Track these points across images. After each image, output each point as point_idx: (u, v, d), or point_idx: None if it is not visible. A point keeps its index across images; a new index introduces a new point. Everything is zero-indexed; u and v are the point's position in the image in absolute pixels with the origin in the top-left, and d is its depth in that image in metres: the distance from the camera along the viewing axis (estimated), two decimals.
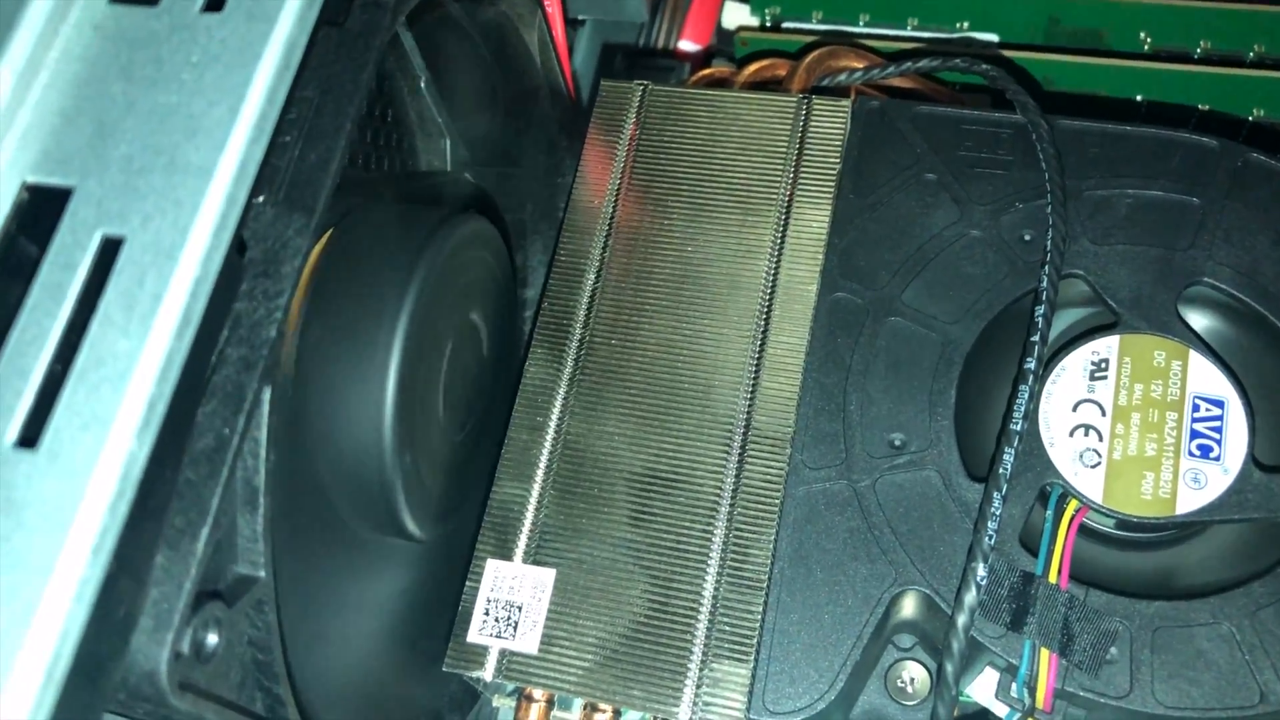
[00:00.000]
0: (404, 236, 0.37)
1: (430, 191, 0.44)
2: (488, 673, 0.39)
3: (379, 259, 0.37)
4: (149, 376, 0.23)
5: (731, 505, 0.40)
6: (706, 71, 0.52)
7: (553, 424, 0.42)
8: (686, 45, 0.60)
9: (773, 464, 0.40)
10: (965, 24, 0.56)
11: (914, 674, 0.42)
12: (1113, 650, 0.36)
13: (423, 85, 0.45)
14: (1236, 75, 0.51)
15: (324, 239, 0.36)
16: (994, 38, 0.56)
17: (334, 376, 0.35)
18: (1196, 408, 0.39)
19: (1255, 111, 0.51)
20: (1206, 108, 0.52)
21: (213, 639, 0.27)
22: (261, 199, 0.28)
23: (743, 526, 0.39)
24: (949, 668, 0.36)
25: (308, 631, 0.35)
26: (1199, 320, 0.42)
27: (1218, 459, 0.38)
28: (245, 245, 0.27)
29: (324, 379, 0.35)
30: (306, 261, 0.28)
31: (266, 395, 0.28)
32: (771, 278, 0.43)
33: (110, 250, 0.24)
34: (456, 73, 0.46)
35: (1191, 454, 0.39)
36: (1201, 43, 0.53)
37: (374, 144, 0.44)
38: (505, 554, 0.40)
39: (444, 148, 0.48)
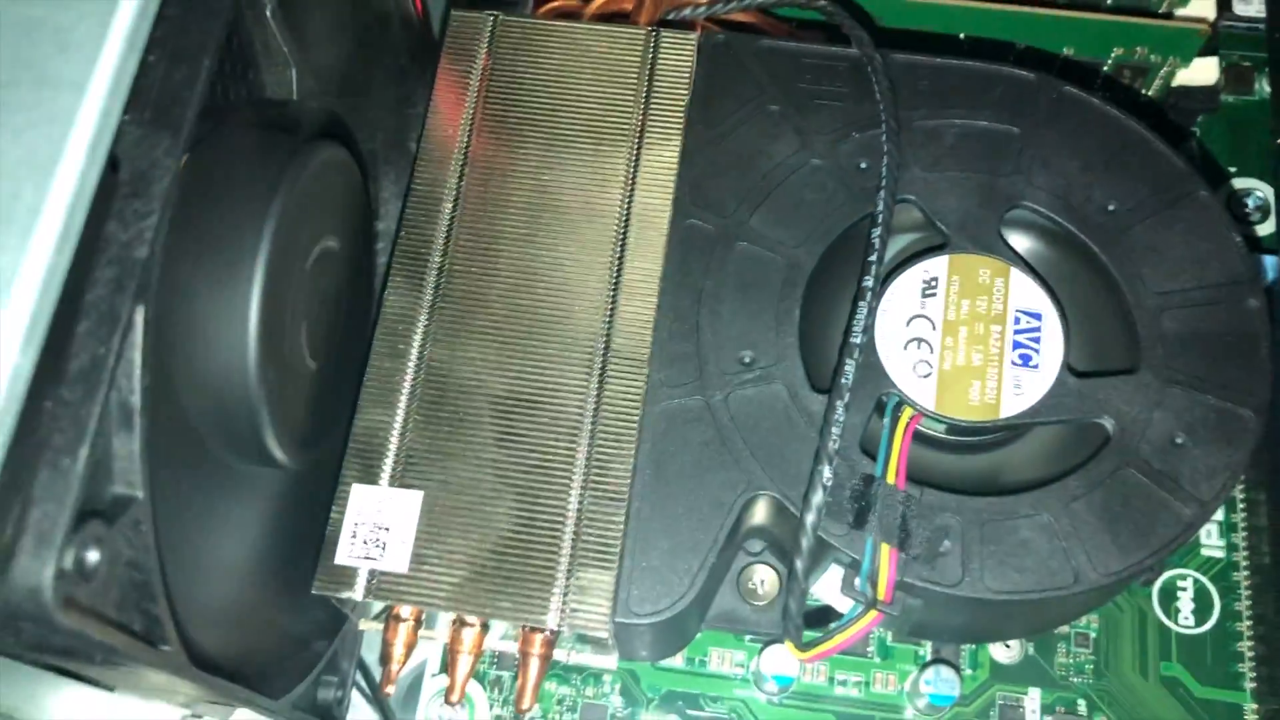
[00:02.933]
0: (264, 158, 0.37)
1: (283, 119, 0.43)
2: (358, 592, 0.39)
3: (239, 181, 0.37)
4: (31, 290, 0.23)
5: (593, 423, 0.41)
6: (555, 4, 0.53)
7: (414, 351, 0.42)
8: None
9: (631, 383, 0.42)
10: None
11: (764, 576, 0.45)
12: (946, 543, 0.39)
13: (269, 12, 0.45)
14: (1049, 16, 0.55)
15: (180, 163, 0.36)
16: None
17: (197, 299, 0.35)
18: (1018, 320, 0.43)
19: (1066, 50, 0.55)
20: (1024, 46, 0.55)
21: (94, 556, 0.27)
22: (128, 118, 0.28)
23: (604, 442, 0.41)
24: (799, 564, 0.38)
25: (181, 556, 0.35)
26: (1019, 240, 0.45)
27: (1037, 367, 0.42)
28: (118, 163, 0.27)
29: (187, 302, 0.35)
30: (175, 181, 0.28)
31: (140, 316, 0.28)
32: (626, 206, 0.44)
33: None
34: (304, 1, 0.46)
35: (1014, 363, 0.42)
36: None
37: (219, 72, 0.44)
38: (371, 479, 0.41)
39: (290, 77, 0.47)
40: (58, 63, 0.25)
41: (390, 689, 0.41)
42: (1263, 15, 0.59)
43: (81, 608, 0.27)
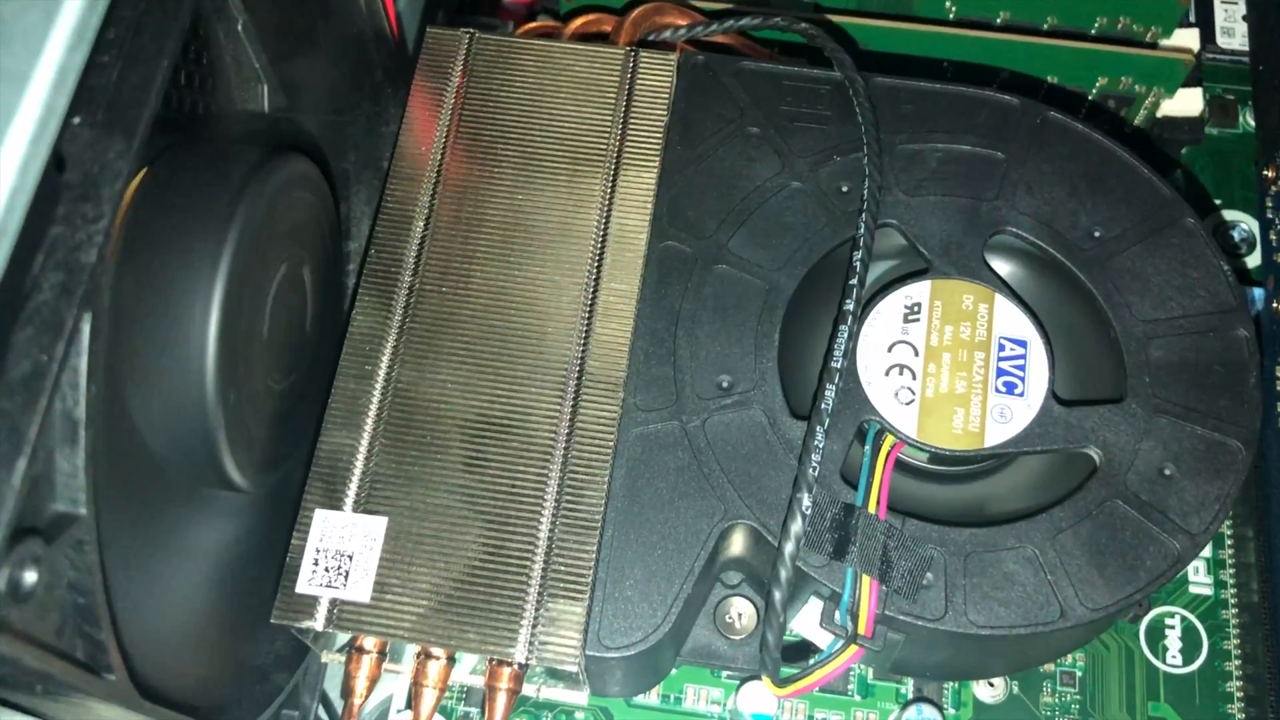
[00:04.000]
0: (229, 169, 0.36)
1: (250, 132, 0.42)
2: (318, 623, 0.38)
3: (200, 194, 0.36)
4: None
5: (566, 448, 0.40)
6: (533, 25, 0.52)
7: (382, 372, 0.41)
8: (509, 2, 0.60)
9: (606, 407, 0.40)
10: None
11: (741, 609, 0.44)
12: (928, 575, 0.38)
13: (240, 27, 0.44)
14: (1032, 44, 0.54)
15: (140, 174, 0.35)
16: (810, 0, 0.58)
17: (153, 316, 0.34)
18: (1002, 347, 0.42)
19: (1049, 78, 0.55)
20: (1008, 73, 0.55)
21: (30, 577, 0.25)
22: (79, 120, 0.27)
23: (577, 468, 0.40)
24: (777, 595, 0.37)
25: (130, 580, 0.33)
26: (1003, 266, 0.44)
27: (1022, 395, 0.41)
28: (64, 162, 0.26)
29: (143, 319, 0.34)
30: (128, 186, 0.27)
31: (87, 324, 0.26)
32: (603, 226, 0.43)
33: None
34: (277, 16, 0.45)
35: (998, 390, 0.41)
36: (1001, 13, 0.56)
37: (188, 87, 0.43)
38: (334, 503, 0.39)
39: (261, 93, 0.46)
40: None
41: None
42: (1246, 48, 0.59)
43: (15, 631, 0.25)
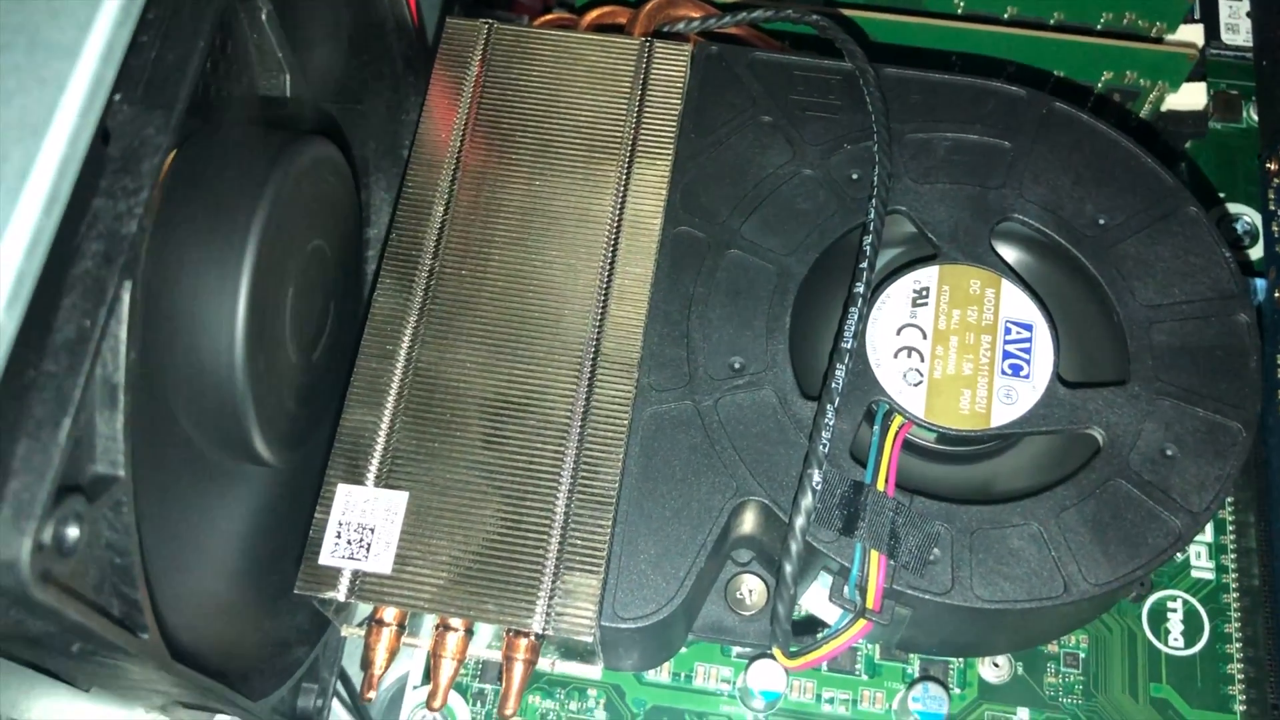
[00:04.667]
0: (256, 150, 0.37)
1: (277, 115, 0.43)
2: (340, 593, 0.39)
3: (230, 172, 0.37)
4: (17, 249, 0.23)
5: (582, 426, 0.41)
6: (550, 17, 0.53)
7: (403, 352, 0.42)
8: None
9: (621, 387, 0.41)
10: None
11: (752, 586, 0.45)
12: (935, 551, 0.39)
13: (264, 17, 0.45)
14: (1039, 38, 0.55)
15: (171, 154, 0.36)
16: None
17: (185, 289, 0.35)
18: (1008, 331, 0.43)
19: (1056, 72, 0.56)
20: (1014, 66, 0.55)
21: (73, 533, 0.26)
22: (119, 96, 0.28)
23: (592, 446, 0.41)
24: (787, 568, 0.38)
25: (162, 545, 0.34)
26: (1009, 252, 0.45)
27: (1027, 377, 0.42)
28: (109, 135, 0.27)
29: (175, 291, 0.35)
30: (166, 159, 0.28)
31: (127, 292, 0.28)
32: (618, 212, 0.44)
33: None
34: (300, 5, 0.46)
35: (1004, 373, 0.42)
36: (1009, 8, 0.57)
37: (213, 74, 0.44)
38: (356, 478, 0.40)
39: (284, 82, 0.47)
40: (50, 28, 0.25)
41: (372, 695, 0.40)
42: (1250, 44, 0.60)
43: (59, 584, 0.26)
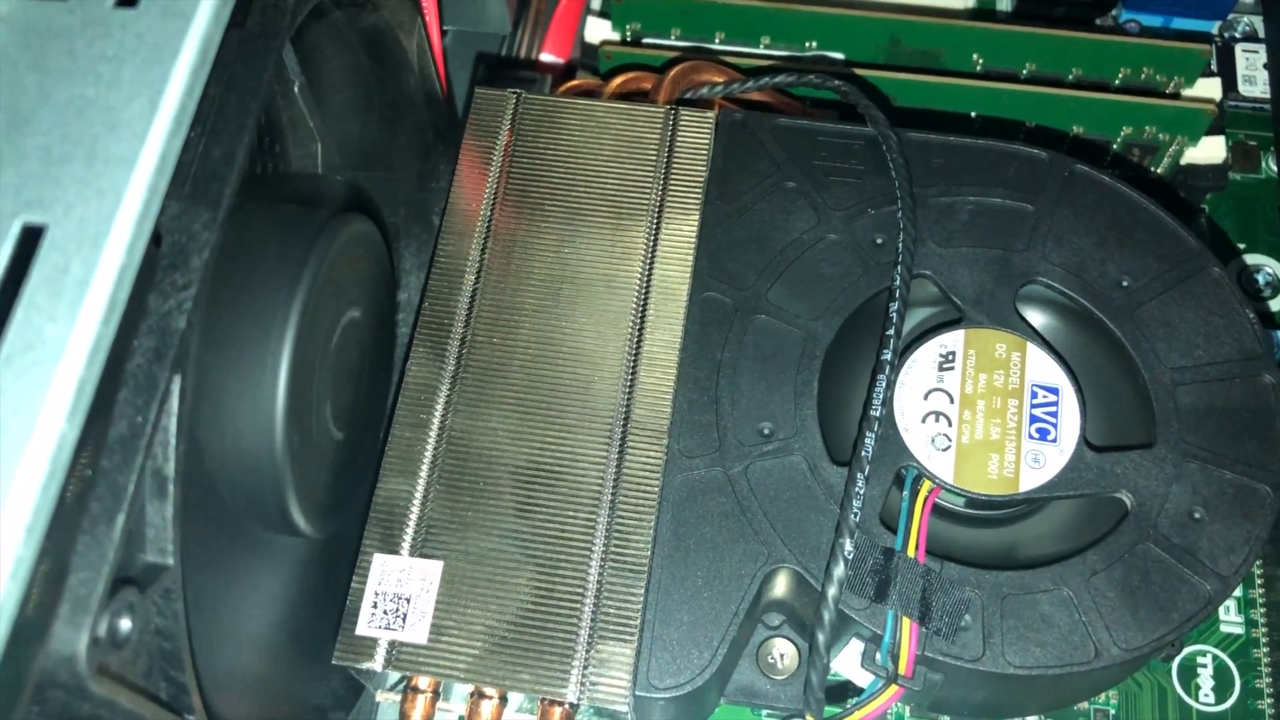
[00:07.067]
0: (292, 233, 0.38)
1: (311, 193, 0.44)
2: (377, 663, 0.39)
3: (268, 255, 0.37)
4: (78, 360, 0.23)
5: (613, 494, 0.41)
6: (575, 82, 0.54)
7: (436, 421, 0.43)
8: (548, 58, 0.62)
9: (651, 454, 0.42)
10: (814, 43, 0.60)
11: (783, 650, 0.45)
12: (966, 617, 0.39)
13: (296, 89, 0.46)
14: (1058, 95, 0.56)
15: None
16: (840, 56, 0.60)
17: (226, 370, 0.36)
18: (1035, 394, 0.43)
19: (1075, 128, 0.56)
20: (1033, 124, 0.56)
21: (126, 625, 0.27)
22: (168, 193, 0.29)
23: (624, 514, 0.41)
24: (821, 637, 0.38)
25: (205, 623, 0.35)
26: (1034, 315, 0.46)
27: (1054, 441, 0.42)
28: (160, 236, 0.28)
29: (216, 372, 0.36)
30: (213, 255, 0.29)
31: (176, 386, 0.28)
32: (645, 279, 0.45)
33: (31, 238, 0.24)
34: (332, 77, 0.47)
35: (1031, 437, 0.42)
36: (1027, 65, 0.58)
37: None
38: (392, 548, 0.41)
39: (315, 152, 0.48)
40: (107, 140, 0.25)
41: None
42: (1268, 95, 0.61)
43: (113, 676, 0.27)
